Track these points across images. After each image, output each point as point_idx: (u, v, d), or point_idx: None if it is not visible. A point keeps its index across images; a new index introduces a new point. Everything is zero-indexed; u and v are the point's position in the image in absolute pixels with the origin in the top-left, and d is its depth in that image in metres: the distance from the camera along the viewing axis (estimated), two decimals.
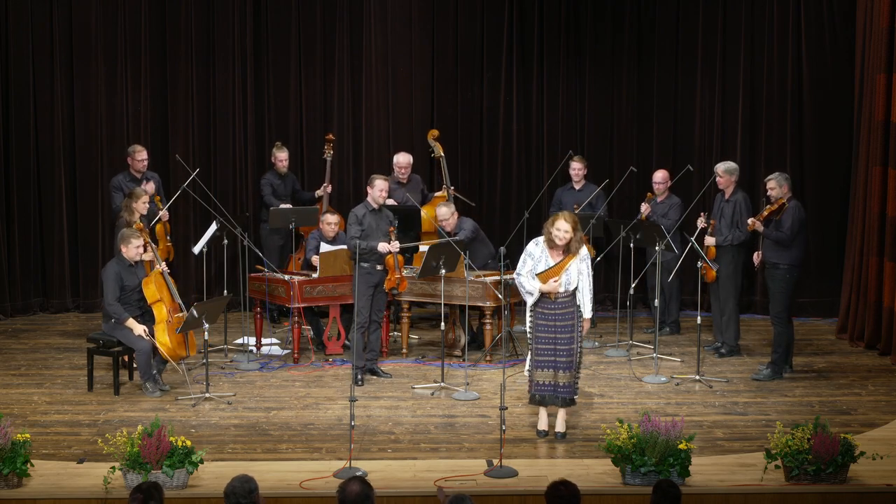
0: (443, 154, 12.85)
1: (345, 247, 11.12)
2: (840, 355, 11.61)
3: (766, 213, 10.63)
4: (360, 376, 10.49)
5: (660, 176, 12.14)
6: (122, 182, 11.91)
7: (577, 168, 12.61)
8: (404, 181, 12.56)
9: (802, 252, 10.74)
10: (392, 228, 10.68)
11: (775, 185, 10.69)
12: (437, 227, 11.95)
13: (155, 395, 10.07)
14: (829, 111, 13.09)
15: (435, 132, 13.00)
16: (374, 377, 10.72)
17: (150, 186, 11.70)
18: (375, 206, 10.59)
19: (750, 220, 10.73)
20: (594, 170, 13.00)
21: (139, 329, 10.05)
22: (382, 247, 10.56)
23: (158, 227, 11.81)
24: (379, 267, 10.54)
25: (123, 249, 10.24)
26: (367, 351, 10.72)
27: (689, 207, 11.95)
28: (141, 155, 12.07)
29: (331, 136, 13.00)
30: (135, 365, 10.34)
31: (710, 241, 11.14)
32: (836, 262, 12.84)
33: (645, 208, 12.03)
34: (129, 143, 13.15)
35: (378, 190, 10.56)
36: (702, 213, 11.42)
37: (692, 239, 11.29)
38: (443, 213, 11.58)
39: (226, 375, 10.77)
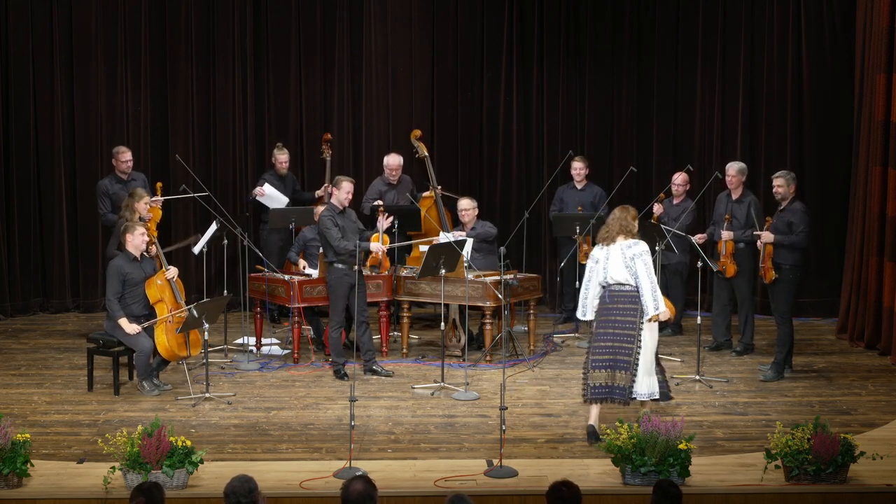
0: (427, 154, 12.84)
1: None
2: (840, 355, 11.61)
3: (768, 225, 10.64)
4: (343, 371, 10.65)
5: (680, 179, 12.05)
6: (107, 186, 11.91)
7: (578, 168, 12.61)
8: (395, 182, 12.56)
9: (804, 252, 10.74)
10: (380, 206, 10.79)
11: (783, 184, 10.67)
12: (438, 229, 11.99)
13: (153, 393, 10.07)
14: (829, 111, 13.09)
15: (417, 132, 12.99)
16: (375, 376, 10.72)
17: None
18: (340, 207, 10.66)
19: (764, 236, 10.61)
20: (594, 170, 12.99)
21: (130, 328, 10.05)
22: (375, 247, 10.78)
23: (157, 214, 11.89)
24: (355, 268, 10.55)
25: (129, 238, 10.23)
26: (363, 352, 10.78)
27: (693, 208, 11.94)
28: (125, 156, 12.07)
29: (328, 135, 13.00)
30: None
31: (726, 235, 11.15)
32: (836, 262, 12.84)
33: (658, 209, 11.99)
34: (129, 143, 13.17)
35: (345, 192, 10.66)
36: (699, 236, 11.42)
37: (693, 239, 11.30)
38: (464, 203, 11.60)
39: (226, 375, 10.77)
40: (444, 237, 11.34)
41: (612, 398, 8.89)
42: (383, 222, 11.06)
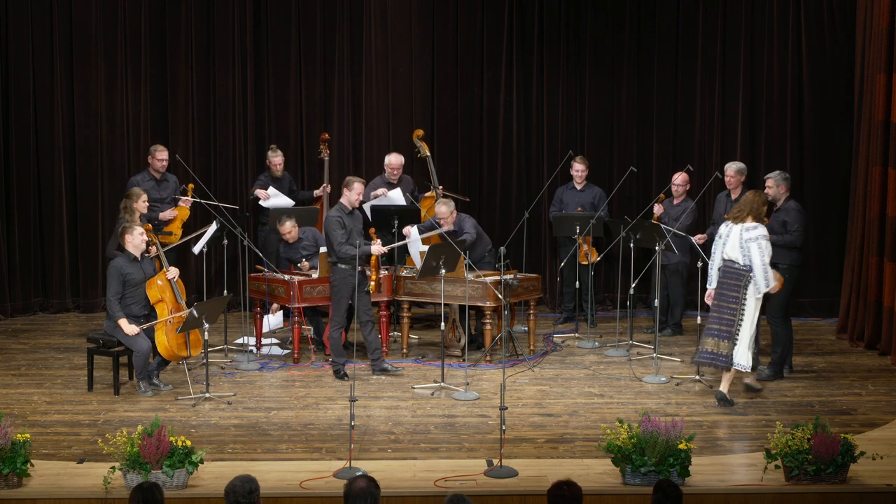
0: (429, 154, 12.84)
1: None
2: (840, 355, 11.60)
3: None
4: (343, 371, 10.63)
5: (680, 179, 12.06)
6: (139, 183, 11.91)
7: (579, 169, 12.62)
8: (395, 182, 12.55)
9: (802, 251, 10.74)
10: (373, 229, 10.80)
11: (773, 185, 10.70)
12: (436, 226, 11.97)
13: (147, 394, 10.06)
14: (829, 111, 13.09)
15: (419, 132, 12.99)
16: (375, 376, 10.71)
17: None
18: (350, 208, 10.64)
19: None
20: (594, 170, 12.99)
21: (129, 329, 10.04)
22: (376, 249, 10.67)
23: (184, 213, 12.13)
24: (359, 268, 10.55)
25: (128, 238, 10.23)
26: (371, 352, 10.78)
27: (693, 209, 11.95)
28: (162, 155, 12.14)
29: (325, 135, 13.00)
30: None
31: None
32: (836, 262, 12.83)
33: (658, 209, 11.99)
34: (129, 143, 13.21)
35: (356, 193, 10.67)
36: (699, 236, 11.43)
37: (692, 239, 11.31)
38: (442, 211, 11.57)
39: (226, 375, 10.77)
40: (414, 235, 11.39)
41: (715, 364, 9.89)
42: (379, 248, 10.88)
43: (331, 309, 10.76)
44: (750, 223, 9.78)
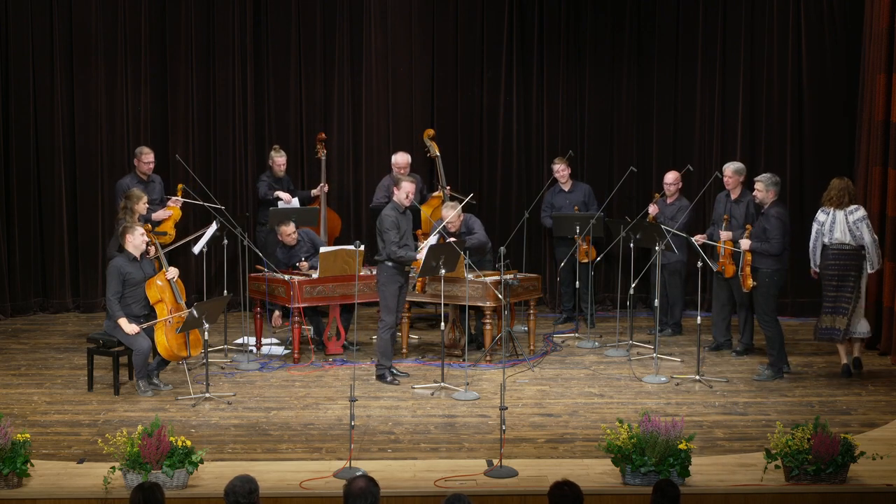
0: (438, 154, 12.84)
1: (349, 247, 11.16)
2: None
3: (747, 232, 10.71)
4: (390, 377, 10.48)
5: (671, 177, 12.07)
6: (128, 185, 11.91)
7: (561, 170, 12.64)
8: None
9: (783, 257, 10.71)
10: (419, 231, 10.80)
11: (762, 188, 10.70)
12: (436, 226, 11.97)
13: (147, 394, 10.06)
14: (829, 111, 13.09)
15: (430, 132, 13.00)
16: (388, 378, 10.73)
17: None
18: (402, 208, 10.62)
19: (742, 244, 10.70)
20: (595, 170, 12.99)
21: (130, 329, 10.04)
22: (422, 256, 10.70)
23: (177, 213, 12.12)
24: (406, 268, 10.54)
25: (129, 238, 10.23)
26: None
27: (688, 207, 11.95)
28: (148, 157, 12.13)
29: (322, 135, 13.00)
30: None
31: (725, 235, 11.14)
32: None
33: (653, 209, 12.00)
34: (129, 143, 13.19)
35: (405, 192, 10.57)
36: (698, 237, 11.41)
37: (692, 239, 11.30)
38: (451, 216, 11.57)
39: (226, 375, 10.77)
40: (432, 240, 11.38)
41: (832, 338, 10.57)
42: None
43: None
44: (852, 206, 10.43)
